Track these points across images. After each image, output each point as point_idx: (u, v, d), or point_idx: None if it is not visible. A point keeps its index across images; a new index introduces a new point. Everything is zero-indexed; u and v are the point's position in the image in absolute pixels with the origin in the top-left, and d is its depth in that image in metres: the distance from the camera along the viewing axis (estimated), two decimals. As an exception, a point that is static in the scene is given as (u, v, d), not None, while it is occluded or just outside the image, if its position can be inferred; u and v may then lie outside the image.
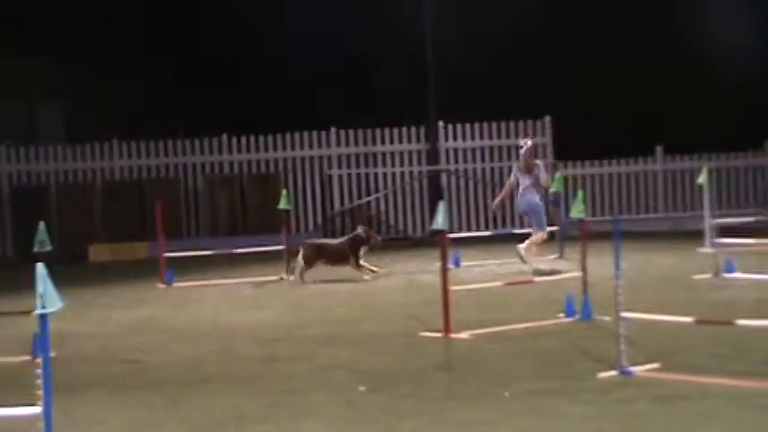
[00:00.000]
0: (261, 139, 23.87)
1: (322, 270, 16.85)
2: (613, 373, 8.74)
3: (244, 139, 23.89)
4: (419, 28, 23.68)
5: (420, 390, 8.65)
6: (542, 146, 23.40)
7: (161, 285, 16.61)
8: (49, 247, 11.61)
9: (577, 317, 11.61)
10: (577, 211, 11.74)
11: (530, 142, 16.71)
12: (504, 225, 23.10)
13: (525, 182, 16.34)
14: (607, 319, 10.99)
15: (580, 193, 12.12)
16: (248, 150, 23.82)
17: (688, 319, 9.86)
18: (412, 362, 9.87)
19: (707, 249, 15.92)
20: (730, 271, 14.68)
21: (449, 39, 25.08)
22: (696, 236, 17.66)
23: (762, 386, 8.09)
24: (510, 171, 23.37)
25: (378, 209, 23.62)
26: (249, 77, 28.21)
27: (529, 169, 16.36)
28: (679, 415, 7.44)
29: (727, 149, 23.89)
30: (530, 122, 23.53)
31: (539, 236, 16.20)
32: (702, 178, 16.81)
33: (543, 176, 16.46)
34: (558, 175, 19.15)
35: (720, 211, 19.71)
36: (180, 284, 16.56)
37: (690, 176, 22.81)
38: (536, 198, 16.33)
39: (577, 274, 11.98)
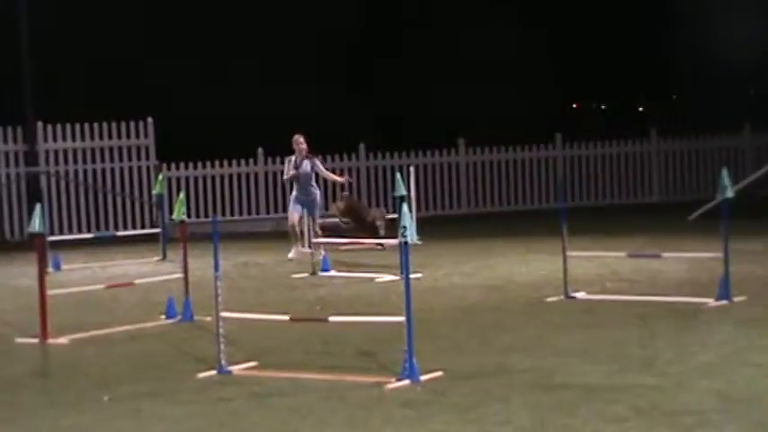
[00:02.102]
0: None
1: None
2: (212, 372, 8.88)
3: None
4: (11, 18, 22.74)
5: (14, 397, 8.41)
6: (145, 147, 23.22)
7: None
8: None
9: (179, 318, 11.67)
10: (179, 212, 11.81)
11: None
12: (106, 228, 22.73)
13: None
14: (209, 319, 11.10)
15: (182, 195, 12.19)
16: None
17: (284, 317, 10.19)
18: (6, 369, 9.56)
19: (305, 249, 16.43)
20: (326, 269, 15.24)
21: (48, 36, 24.39)
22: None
23: (352, 379, 8.48)
24: (111, 172, 23.19)
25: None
26: None
27: None
28: (274, 411, 7.67)
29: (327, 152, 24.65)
30: (132, 123, 23.27)
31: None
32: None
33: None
34: (160, 176, 19.10)
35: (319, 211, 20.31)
36: None
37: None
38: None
39: (180, 275, 12.03)
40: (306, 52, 32.05)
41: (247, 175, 23.78)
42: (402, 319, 8.44)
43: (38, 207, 11.02)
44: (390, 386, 8.18)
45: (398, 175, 14.84)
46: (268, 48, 31.51)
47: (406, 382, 8.25)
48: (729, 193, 11.61)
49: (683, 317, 10.77)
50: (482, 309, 11.85)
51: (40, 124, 22.81)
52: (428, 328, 10.27)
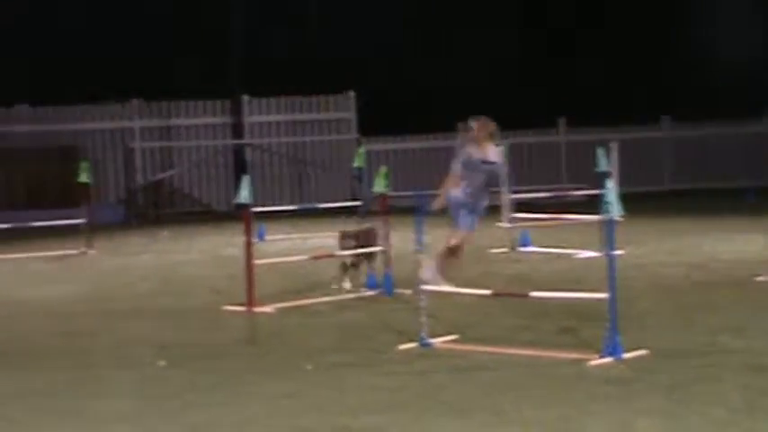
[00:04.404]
0: (60, 110, 23.23)
1: (124, 243, 16.50)
2: (414, 344, 8.90)
3: (42, 110, 23.20)
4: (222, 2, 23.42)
5: (222, 364, 8.62)
6: (346, 121, 23.54)
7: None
8: None
9: (379, 291, 11.76)
10: (380, 185, 11.88)
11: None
12: (309, 200, 23.16)
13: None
14: (408, 292, 11.17)
15: (383, 168, 12.25)
16: (47, 121, 23.15)
17: (485, 292, 10.14)
18: (214, 336, 9.82)
19: (504, 224, 16.32)
20: (525, 245, 15.11)
21: (251, 11, 24.93)
22: (493, 211, 18.05)
23: (554, 355, 8.37)
24: (312, 145, 23.57)
25: (181, 182, 23.32)
26: (48, 47, 27.41)
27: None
28: (475, 384, 7.63)
29: (524, 127, 24.40)
30: (333, 97, 23.60)
31: (451, 239, 12.25)
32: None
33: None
34: (361, 149, 19.28)
35: (517, 187, 20.17)
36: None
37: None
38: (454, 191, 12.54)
39: (381, 249, 12.12)
40: (504, 24, 31.80)
41: (447, 150, 23.77)
42: (605, 295, 8.28)
43: (245, 178, 11.27)
44: (593, 363, 8.04)
45: (600, 151, 14.58)
46: (463, 19, 31.40)
47: (609, 359, 8.09)
48: None
49: None
50: (686, 287, 11.54)
51: (245, 98, 23.37)
52: (631, 305, 10.06)
